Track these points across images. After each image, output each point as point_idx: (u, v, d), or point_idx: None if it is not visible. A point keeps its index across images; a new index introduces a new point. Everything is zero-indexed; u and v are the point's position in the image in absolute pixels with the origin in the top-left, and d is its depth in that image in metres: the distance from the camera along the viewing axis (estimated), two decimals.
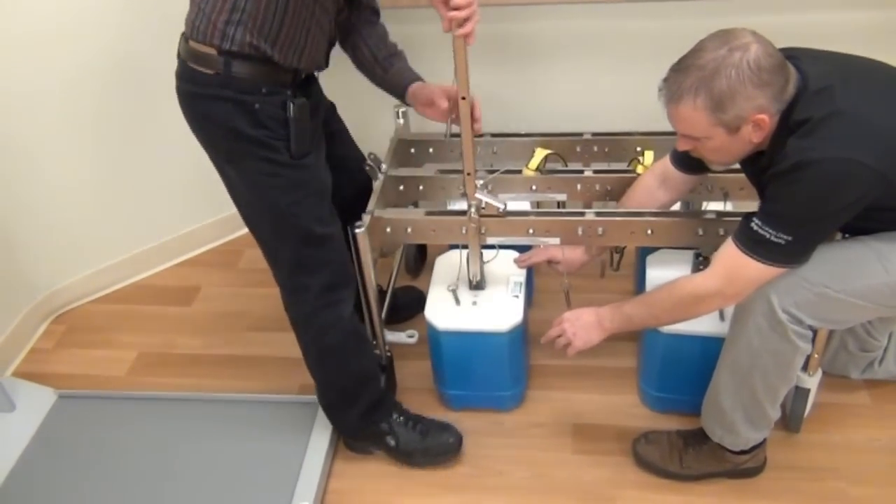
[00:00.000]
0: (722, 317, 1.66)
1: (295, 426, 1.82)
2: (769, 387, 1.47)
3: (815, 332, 1.46)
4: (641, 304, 1.52)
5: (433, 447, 1.74)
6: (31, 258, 2.19)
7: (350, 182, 1.73)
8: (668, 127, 1.88)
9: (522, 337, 1.79)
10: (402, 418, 1.76)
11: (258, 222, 1.53)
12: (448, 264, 1.86)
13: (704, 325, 1.65)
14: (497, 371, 1.78)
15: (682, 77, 1.29)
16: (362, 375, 1.70)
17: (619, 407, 1.87)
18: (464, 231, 1.68)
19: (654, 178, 1.68)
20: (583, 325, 1.54)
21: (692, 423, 1.79)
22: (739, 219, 1.57)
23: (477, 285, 1.77)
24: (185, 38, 1.40)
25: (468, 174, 1.58)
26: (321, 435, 1.79)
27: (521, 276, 1.80)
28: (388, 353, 1.86)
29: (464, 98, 1.48)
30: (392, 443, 1.74)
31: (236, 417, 1.88)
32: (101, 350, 2.18)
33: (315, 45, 1.42)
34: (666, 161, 1.66)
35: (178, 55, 1.43)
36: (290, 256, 1.53)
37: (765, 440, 1.61)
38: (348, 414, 1.73)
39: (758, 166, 1.37)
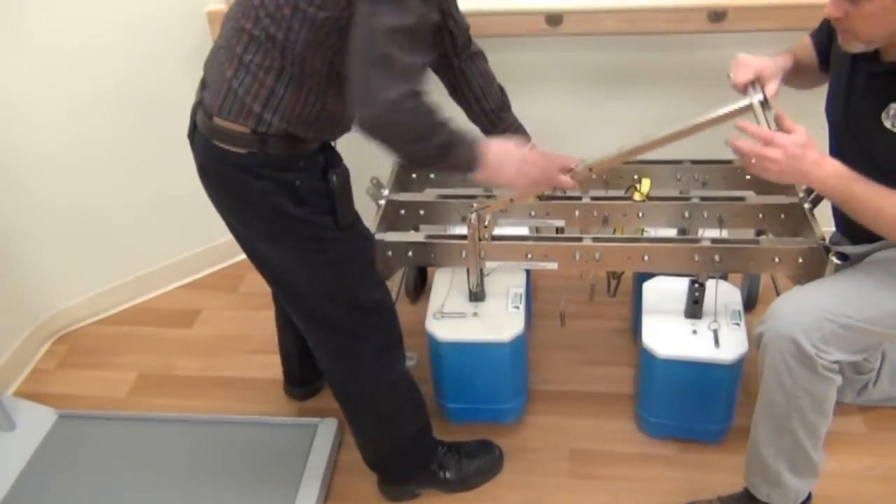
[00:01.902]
0: (717, 343, 1.68)
1: (293, 448, 1.83)
2: (809, 426, 1.42)
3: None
4: (878, 193, 1.27)
5: (484, 465, 1.76)
6: (34, 280, 2.22)
7: None
8: (663, 156, 1.94)
9: (523, 348, 1.80)
10: (444, 449, 1.75)
11: (305, 295, 1.46)
12: (448, 278, 1.88)
13: (701, 351, 1.67)
14: (498, 383, 1.79)
15: None
16: (418, 430, 1.70)
17: (617, 433, 1.87)
18: (463, 255, 1.70)
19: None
20: (801, 166, 1.25)
21: (689, 450, 1.81)
22: (735, 246, 1.60)
23: (477, 297, 1.79)
24: (208, 114, 1.30)
25: None
26: (319, 457, 1.80)
27: (521, 287, 1.82)
28: None
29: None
30: (447, 476, 1.73)
31: (235, 439, 1.89)
32: (102, 371, 2.19)
33: (350, 117, 1.23)
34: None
35: (196, 129, 1.33)
36: (342, 323, 1.48)
37: (810, 495, 1.56)
38: (403, 463, 1.72)
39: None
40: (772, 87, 1.39)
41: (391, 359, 1.58)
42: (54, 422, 1.96)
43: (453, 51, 1.55)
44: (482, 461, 1.77)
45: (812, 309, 1.35)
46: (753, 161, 1.29)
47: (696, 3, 1.91)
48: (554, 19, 1.98)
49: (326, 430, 1.85)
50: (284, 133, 1.28)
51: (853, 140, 1.45)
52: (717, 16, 1.92)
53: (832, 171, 1.28)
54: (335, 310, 1.46)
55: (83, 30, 2.01)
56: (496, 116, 1.60)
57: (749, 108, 1.34)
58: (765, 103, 1.33)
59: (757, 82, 1.39)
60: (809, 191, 1.75)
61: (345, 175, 1.37)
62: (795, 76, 1.53)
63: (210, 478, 1.80)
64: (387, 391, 1.60)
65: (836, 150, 1.54)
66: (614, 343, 2.14)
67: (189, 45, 2.15)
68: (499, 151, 1.31)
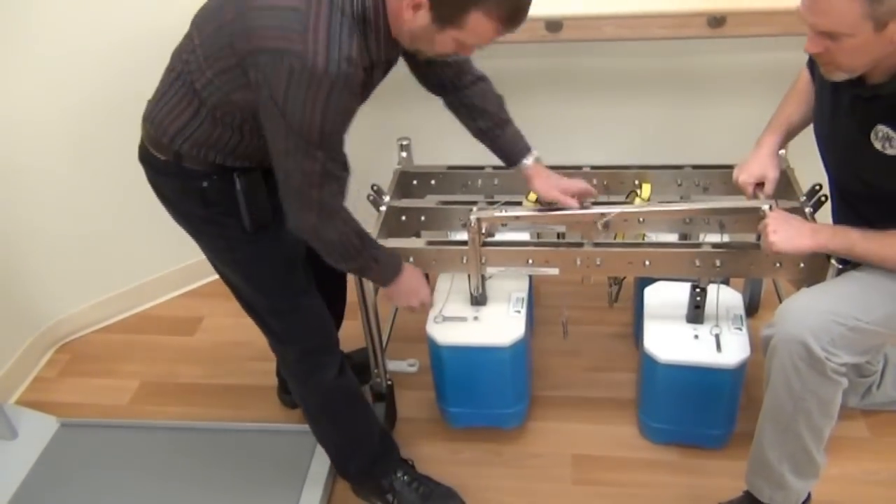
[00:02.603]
0: (719, 347, 1.67)
1: (294, 456, 1.83)
2: (814, 428, 1.42)
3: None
4: (875, 241, 1.38)
5: None
6: (37, 288, 2.22)
7: None
8: (664, 160, 1.95)
9: (525, 353, 1.80)
10: (406, 477, 1.72)
11: (234, 290, 1.56)
12: (450, 282, 1.89)
13: (703, 355, 1.67)
14: (499, 387, 1.79)
15: None
16: (354, 436, 1.69)
17: (619, 438, 1.87)
18: (464, 261, 1.70)
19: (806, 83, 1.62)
20: (789, 225, 1.43)
21: (691, 455, 1.80)
22: (736, 250, 1.61)
23: (478, 301, 1.79)
24: (144, 118, 1.42)
25: None
26: (320, 464, 1.80)
27: (522, 291, 1.82)
28: (389, 383, 1.88)
29: None
30: (391, 500, 1.71)
31: (237, 446, 1.88)
32: (104, 379, 2.20)
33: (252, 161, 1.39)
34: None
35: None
36: (264, 322, 1.56)
37: (810, 496, 1.57)
38: (348, 466, 1.73)
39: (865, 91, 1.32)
40: (772, 186, 1.60)
41: (315, 362, 1.58)
42: (56, 430, 1.96)
43: (450, 85, 1.63)
44: None
45: (821, 312, 1.36)
46: (769, 239, 1.43)
47: (695, 9, 1.92)
48: (554, 26, 1.99)
49: None
50: (198, 154, 1.36)
51: (846, 161, 1.47)
52: (717, 21, 1.93)
53: (823, 229, 1.44)
54: (254, 309, 1.55)
55: (84, 38, 2.01)
56: (493, 134, 1.65)
57: (758, 209, 1.55)
58: (772, 207, 1.53)
59: (759, 186, 1.61)
60: (810, 195, 1.75)
61: (254, 179, 1.39)
62: (798, 130, 1.65)
63: (212, 485, 1.80)
64: (313, 394, 1.62)
65: (832, 172, 1.57)
66: (616, 349, 2.13)
67: None
68: (406, 278, 1.57)
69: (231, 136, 1.34)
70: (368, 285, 1.70)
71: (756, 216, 1.54)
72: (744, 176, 1.62)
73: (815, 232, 1.44)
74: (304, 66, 1.16)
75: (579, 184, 1.66)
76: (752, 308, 2.13)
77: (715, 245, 1.63)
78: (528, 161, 1.65)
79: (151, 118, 1.39)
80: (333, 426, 1.68)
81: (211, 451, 1.89)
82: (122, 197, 2.26)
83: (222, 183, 1.38)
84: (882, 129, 1.33)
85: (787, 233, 1.42)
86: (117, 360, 2.26)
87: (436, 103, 2.21)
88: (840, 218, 1.60)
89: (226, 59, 1.24)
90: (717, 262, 1.63)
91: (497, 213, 1.68)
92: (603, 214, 1.67)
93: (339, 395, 1.64)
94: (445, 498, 1.72)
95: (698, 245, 1.64)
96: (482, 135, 1.66)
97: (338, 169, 1.30)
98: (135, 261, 2.38)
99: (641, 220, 1.75)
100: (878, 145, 1.34)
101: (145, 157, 1.44)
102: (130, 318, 2.41)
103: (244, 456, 1.85)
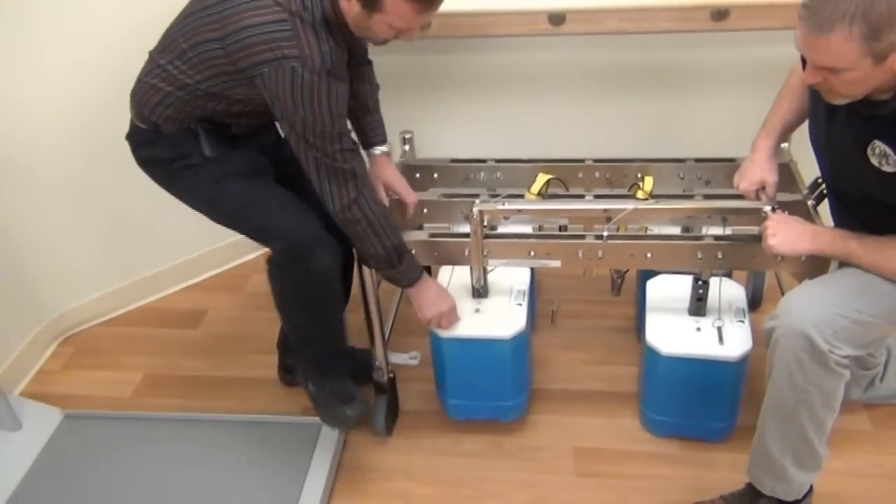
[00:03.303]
0: (721, 340, 1.67)
1: (297, 447, 1.83)
2: (817, 421, 1.42)
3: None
4: (874, 249, 1.40)
5: (339, 392, 1.74)
6: (41, 281, 2.23)
7: None
8: (667, 154, 1.95)
9: (526, 345, 1.80)
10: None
11: (217, 218, 1.68)
12: (451, 274, 1.89)
13: (705, 348, 1.67)
14: (500, 379, 1.79)
15: (832, 3, 1.17)
16: (323, 325, 1.70)
17: (620, 431, 1.87)
18: (466, 253, 1.71)
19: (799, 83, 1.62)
20: (789, 228, 1.46)
21: (693, 448, 1.80)
22: (738, 242, 1.61)
23: (480, 293, 1.79)
24: (131, 95, 1.61)
25: None
26: (323, 456, 1.80)
27: (524, 284, 1.82)
28: (391, 375, 1.88)
29: None
30: (319, 398, 1.75)
31: (240, 438, 1.89)
32: (108, 371, 2.20)
33: (245, 121, 1.57)
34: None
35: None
36: (248, 229, 1.66)
37: (812, 488, 1.57)
38: (307, 350, 1.75)
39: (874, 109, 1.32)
40: (773, 190, 1.63)
41: (298, 251, 1.59)
42: (60, 421, 1.96)
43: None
44: (339, 391, 1.73)
45: (824, 304, 1.36)
46: (769, 241, 1.46)
47: (698, 2, 1.91)
48: (556, 18, 1.99)
49: (331, 430, 1.85)
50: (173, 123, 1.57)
51: (842, 170, 1.48)
52: (720, 14, 1.93)
53: (823, 233, 1.47)
54: (235, 218, 1.65)
55: (89, 28, 2.02)
56: (354, 115, 1.77)
57: (759, 210, 1.57)
58: (773, 209, 1.55)
59: (761, 190, 1.63)
60: (813, 188, 1.74)
61: (217, 132, 1.58)
62: (793, 128, 1.67)
63: (215, 477, 1.80)
64: (292, 278, 1.63)
65: (828, 178, 1.57)
66: (618, 342, 2.13)
67: None
68: (427, 286, 1.68)
69: (214, 111, 1.54)
70: (370, 278, 1.70)
71: (758, 213, 1.55)
72: (744, 184, 1.64)
73: (815, 236, 1.46)
74: (304, 66, 1.34)
75: (400, 186, 1.81)
76: (754, 302, 2.12)
77: (717, 237, 1.63)
78: (375, 151, 1.80)
79: (135, 92, 1.59)
80: (303, 311, 1.69)
81: (214, 442, 1.89)
82: (126, 191, 2.26)
83: (190, 132, 1.58)
84: (879, 146, 1.33)
85: (786, 235, 1.45)
86: (121, 352, 2.27)
87: (438, 97, 2.23)
88: (838, 218, 1.60)
89: (223, 67, 1.43)
90: (720, 255, 1.63)
91: (499, 206, 1.68)
92: (606, 210, 1.67)
93: (318, 285, 1.63)
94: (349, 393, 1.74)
95: (700, 238, 1.64)
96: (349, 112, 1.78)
97: (352, 143, 1.47)
98: (138, 254, 2.39)
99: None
100: (874, 161, 1.35)
101: (130, 132, 1.65)
102: (134, 311, 2.42)
103: (247, 448, 1.86)
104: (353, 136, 1.49)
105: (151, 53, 1.58)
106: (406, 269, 1.62)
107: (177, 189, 1.66)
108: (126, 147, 2.22)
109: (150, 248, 2.40)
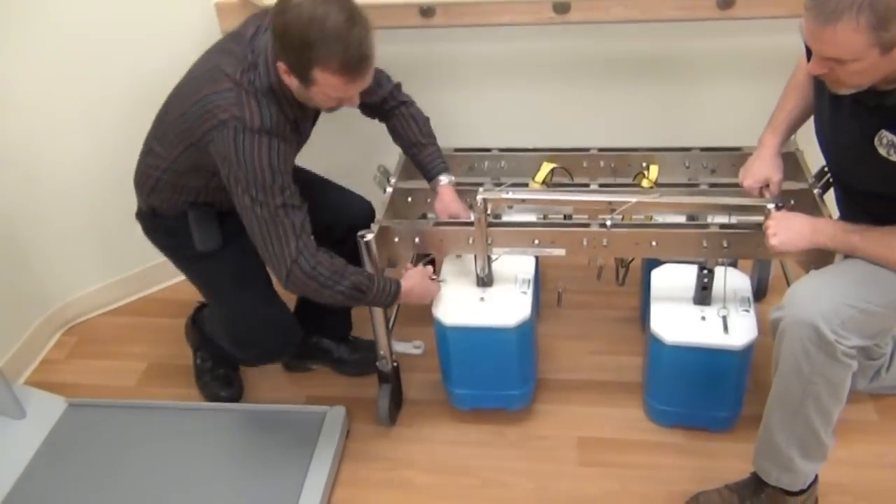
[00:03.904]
0: (726, 329, 1.67)
1: (301, 436, 1.83)
2: (823, 411, 1.41)
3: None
4: (877, 241, 1.40)
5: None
6: (45, 271, 2.23)
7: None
8: (672, 143, 1.94)
9: (530, 334, 1.80)
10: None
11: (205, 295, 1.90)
12: (455, 262, 1.89)
13: (710, 336, 1.66)
14: (505, 368, 1.79)
15: None
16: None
17: (625, 421, 1.87)
18: (470, 241, 1.70)
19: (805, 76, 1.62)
20: (789, 226, 1.47)
21: (697, 438, 1.80)
22: (744, 231, 1.60)
23: (484, 282, 1.79)
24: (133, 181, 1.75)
25: None
26: (327, 445, 1.80)
27: (529, 273, 1.82)
28: (395, 364, 1.88)
29: None
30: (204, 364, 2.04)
31: (243, 427, 1.89)
32: (112, 361, 2.21)
33: (223, 195, 1.57)
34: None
35: None
36: (224, 327, 1.85)
37: (817, 477, 1.56)
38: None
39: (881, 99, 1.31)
40: (777, 188, 1.62)
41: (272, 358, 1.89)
42: (64, 410, 1.97)
43: (379, 112, 1.83)
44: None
45: (831, 295, 1.35)
46: (770, 241, 1.47)
47: None
48: (561, 7, 1.98)
49: (334, 418, 1.85)
50: (165, 204, 1.70)
51: (848, 163, 1.47)
52: (727, 2, 1.91)
53: (824, 228, 1.46)
54: (220, 313, 1.86)
55: (92, 23, 2.01)
56: (410, 153, 1.84)
57: (764, 207, 1.56)
58: (778, 206, 1.55)
59: (765, 187, 1.62)
60: (819, 176, 1.74)
61: (205, 211, 1.68)
62: (800, 124, 1.66)
63: (219, 465, 1.80)
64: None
65: (834, 170, 1.57)
66: (623, 332, 2.13)
67: (197, 37, 2.14)
68: (408, 291, 1.69)
69: (195, 189, 1.63)
70: (373, 263, 1.70)
71: (762, 209, 1.54)
72: (749, 181, 1.63)
73: (815, 232, 1.46)
74: (245, 127, 1.45)
75: (466, 217, 1.78)
76: (760, 292, 2.12)
77: (722, 226, 1.62)
78: (440, 181, 1.81)
79: (135, 183, 1.74)
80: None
81: (217, 431, 1.89)
82: (130, 181, 2.25)
83: (183, 218, 1.67)
84: (887, 136, 1.32)
85: (786, 235, 1.46)
86: (125, 342, 2.27)
87: (443, 86, 2.22)
88: (844, 209, 1.59)
89: (188, 139, 1.53)
90: (725, 243, 1.62)
91: (503, 195, 1.67)
92: (611, 203, 1.67)
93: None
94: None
95: (706, 226, 1.64)
96: (405, 152, 1.87)
97: (295, 200, 1.51)
98: (143, 244, 2.36)
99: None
100: (882, 151, 1.34)
101: (136, 212, 1.79)
102: (138, 301, 2.42)
103: (251, 436, 1.86)
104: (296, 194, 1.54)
105: (146, 138, 1.70)
106: (378, 295, 1.62)
107: (179, 267, 1.83)
108: (129, 140, 2.23)
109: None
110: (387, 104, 1.80)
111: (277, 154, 1.47)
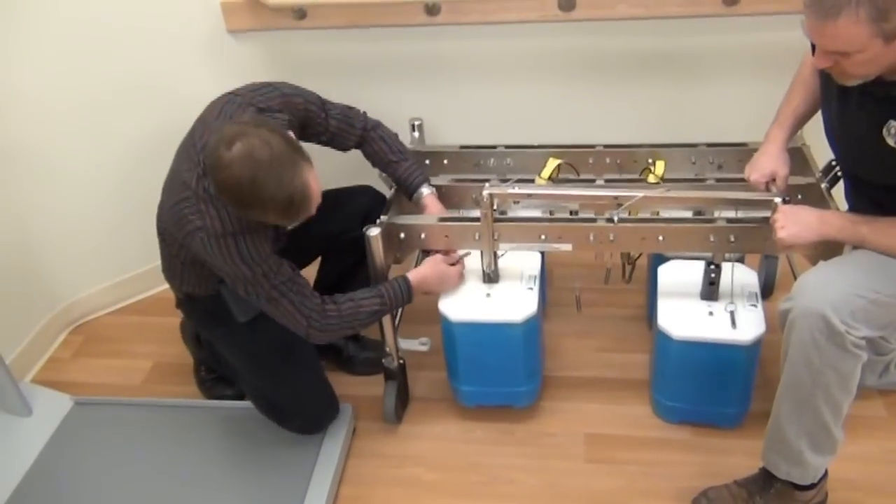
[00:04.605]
0: (734, 324, 1.66)
1: (306, 434, 1.82)
2: (833, 403, 1.40)
3: None
4: (886, 232, 1.40)
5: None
6: (52, 269, 2.24)
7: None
8: (676, 139, 1.93)
9: (537, 330, 1.79)
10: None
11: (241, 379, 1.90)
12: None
13: (718, 331, 1.65)
14: (511, 364, 1.78)
15: None
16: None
17: (632, 418, 1.86)
18: (477, 237, 1.70)
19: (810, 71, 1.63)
20: (797, 220, 1.46)
21: (705, 434, 1.79)
22: (751, 225, 1.59)
23: (491, 278, 1.78)
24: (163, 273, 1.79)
25: None
26: (333, 443, 1.80)
27: (535, 269, 1.81)
28: (401, 361, 1.87)
29: None
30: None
31: (249, 425, 1.88)
32: (118, 360, 2.21)
33: None
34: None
35: None
36: (268, 406, 1.85)
37: (826, 472, 1.55)
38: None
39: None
40: (783, 183, 1.62)
41: (317, 427, 1.83)
42: (70, 408, 1.97)
43: (348, 145, 1.81)
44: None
45: (840, 285, 1.34)
46: (778, 235, 1.46)
47: None
48: (566, 4, 1.98)
49: (340, 416, 1.85)
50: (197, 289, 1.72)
51: (857, 154, 1.47)
52: None
53: (832, 220, 1.45)
54: (259, 391, 1.84)
55: (99, 22, 2.02)
56: (388, 171, 1.84)
57: (770, 201, 1.55)
58: (785, 200, 1.54)
59: (771, 182, 1.62)
60: (826, 171, 1.73)
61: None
62: (806, 119, 1.66)
63: (224, 463, 1.80)
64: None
65: (842, 162, 1.57)
66: (629, 330, 2.12)
67: (203, 36, 2.16)
68: (420, 278, 1.71)
69: (212, 274, 1.63)
70: (378, 258, 1.70)
71: (769, 203, 1.54)
72: (755, 175, 1.63)
73: (823, 224, 1.45)
74: (209, 234, 1.49)
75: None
76: (767, 289, 2.11)
77: (729, 220, 1.62)
78: (422, 193, 1.81)
79: (165, 276, 1.77)
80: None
81: (223, 430, 1.89)
82: (138, 179, 2.25)
83: (218, 296, 1.68)
84: (895, 126, 1.32)
85: (795, 228, 1.45)
86: (131, 341, 2.27)
87: (448, 84, 2.23)
88: (853, 201, 1.59)
89: (176, 240, 1.59)
90: (732, 238, 1.61)
91: (509, 189, 1.67)
92: (617, 197, 1.66)
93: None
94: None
95: (713, 220, 1.63)
96: (382, 171, 1.86)
97: (283, 276, 1.55)
98: (150, 243, 2.36)
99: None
100: (891, 142, 1.33)
101: (175, 302, 1.83)
102: (145, 300, 2.42)
103: (256, 434, 1.85)
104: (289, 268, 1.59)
105: (156, 223, 1.71)
106: (394, 302, 1.67)
107: (224, 348, 1.82)
108: (138, 140, 2.24)
109: None
110: (349, 138, 1.79)
111: (248, 249, 1.51)
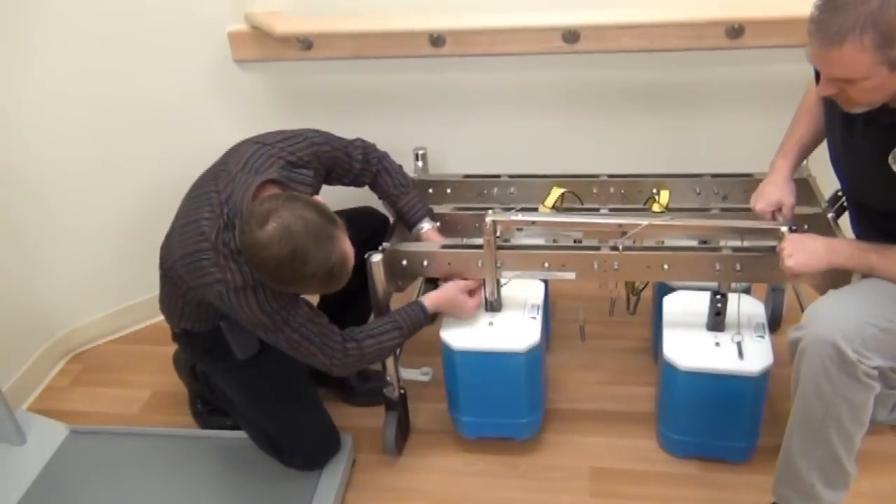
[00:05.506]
0: (741, 354, 1.63)
1: None
2: (845, 435, 1.38)
3: None
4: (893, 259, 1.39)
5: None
6: (51, 297, 2.22)
7: None
8: (680, 169, 1.93)
9: (540, 359, 1.76)
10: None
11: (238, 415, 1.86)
12: None
13: (725, 362, 1.62)
14: (514, 394, 1.75)
15: (841, 16, 1.17)
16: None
17: (637, 451, 1.82)
18: (480, 264, 1.68)
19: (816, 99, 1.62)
20: (804, 248, 1.44)
21: (713, 469, 1.75)
22: (757, 254, 1.58)
23: (493, 307, 1.76)
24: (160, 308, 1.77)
25: None
26: (332, 475, 1.76)
27: (538, 298, 1.79)
28: (402, 391, 1.84)
29: None
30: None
31: (247, 456, 1.84)
32: (116, 389, 2.18)
33: None
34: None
35: None
36: (267, 442, 1.81)
37: None
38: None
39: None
40: (790, 212, 1.60)
41: (320, 463, 1.79)
42: (65, 437, 1.93)
43: (360, 183, 1.80)
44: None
45: (852, 313, 1.32)
46: (786, 263, 1.43)
47: (713, 18, 1.91)
48: (571, 36, 2.00)
49: (340, 450, 1.81)
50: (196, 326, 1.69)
51: (862, 181, 1.46)
52: (736, 31, 1.92)
53: (840, 248, 1.44)
54: (257, 427, 1.82)
55: (105, 49, 2.04)
56: (391, 202, 1.83)
57: (777, 230, 1.54)
58: (792, 229, 1.52)
59: (777, 211, 1.60)
60: (833, 201, 1.72)
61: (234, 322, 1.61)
62: (811, 149, 1.66)
63: (221, 495, 1.77)
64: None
65: (848, 190, 1.56)
66: (634, 363, 2.09)
67: (210, 66, 2.18)
68: (436, 305, 1.71)
69: (215, 312, 1.61)
70: (379, 284, 1.68)
71: (776, 232, 1.53)
72: (761, 204, 1.62)
73: (832, 252, 1.43)
74: (229, 288, 1.48)
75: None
76: (774, 322, 2.07)
77: (735, 249, 1.60)
78: (421, 228, 1.80)
79: (162, 310, 1.74)
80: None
81: (220, 460, 1.86)
82: (138, 208, 2.26)
83: (218, 331, 1.65)
84: None
85: (803, 256, 1.43)
86: (129, 370, 2.24)
87: (452, 114, 2.24)
88: (859, 229, 1.57)
89: (187, 284, 1.55)
90: (738, 266, 1.60)
91: (513, 216, 1.66)
92: (621, 225, 1.65)
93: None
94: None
95: (718, 249, 1.61)
96: (386, 203, 1.86)
97: (301, 318, 1.54)
98: (150, 272, 2.35)
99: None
100: None
101: (171, 336, 1.79)
102: (144, 329, 2.40)
103: (255, 465, 1.81)
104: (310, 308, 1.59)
105: (159, 262, 1.69)
106: (413, 329, 1.67)
107: (223, 382, 1.80)
108: (138, 167, 2.24)
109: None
110: (360, 172, 1.77)
111: (267, 300, 1.49)
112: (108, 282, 2.32)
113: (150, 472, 1.84)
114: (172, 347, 2.28)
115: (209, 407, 1.99)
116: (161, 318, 2.36)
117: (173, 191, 2.27)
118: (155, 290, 2.38)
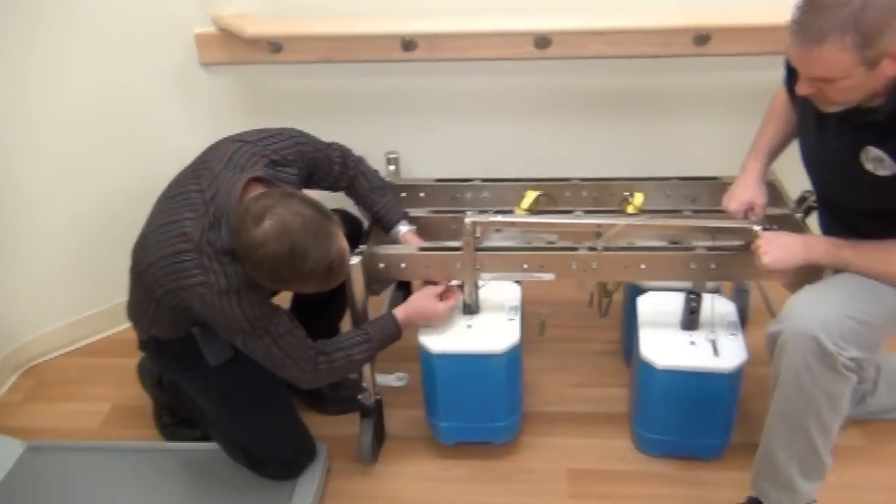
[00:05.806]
0: (716, 352, 1.66)
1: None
2: (824, 427, 1.40)
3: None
4: (871, 256, 1.41)
5: None
6: (2, 308, 2.11)
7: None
8: (650, 173, 1.96)
9: (519, 361, 1.76)
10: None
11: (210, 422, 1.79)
12: None
13: (701, 360, 1.65)
14: (493, 397, 1.74)
15: (822, 16, 1.20)
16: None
17: (614, 452, 1.83)
18: (458, 267, 1.67)
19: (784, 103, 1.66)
20: (781, 244, 1.46)
21: (688, 467, 1.77)
22: (733, 253, 1.61)
23: (471, 309, 1.76)
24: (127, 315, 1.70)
25: None
26: (306, 484, 1.71)
27: (515, 300, 1.79)
28: (378, 398, 1.81)
29: None
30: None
31: (215, 468, 1.78)
32: (73, 403, 2.08)
33: None
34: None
35: None
36: (239, 452, 1.76)
37: (815, 502, 1.54)
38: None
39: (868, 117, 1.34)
40: (761, 211, 1.64)
41: (294, 472, 1.75)
42: (21, 453, 1.84)
43: (338, 188, 1.79)
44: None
45: (830, 306, 1.35)
46: (762, 260, 1.46)
47: (681, 25, 1.96)
48: (542, 42, 2.02)
49: (314, 458, 1.77)
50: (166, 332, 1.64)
51: (834, 180, 1.50)
52: (703, 39, 1.98)
53: (816, 245, 1.47)
54: (230, 436, 1.77)
55: (66, 49, 1.97)
56: (366, 206, 1.81)
57: (749, 229, 1.58)
58: (765, 227, 1.56)
59: (749, 211, 1.64)
60: (800, 201, 1.77)
61: (208, 327, 1.57)
62: (781, 150, 1.70)
63: None
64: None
65: (819, 188, 1.60)
66: (605, 365, 2.11)
67: (175, 69, 2.13)
68: (407, 317, 1.69)
69: (187, 319, 1.57)
70: (357, 288, 1.66)
71: (749, 231, 1.56)
72: (733, 205, 1.65)
73: (808, 248, 1.47)
74: (212, 290, 1.44)
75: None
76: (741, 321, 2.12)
77: (710, 248, 1.63)
78: (399, 230, 1.79)
79: (130, 316, 1.67)
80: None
81: (188, 473, 1.79)
82: (93, 215, 2.18)
83: (189, 338, 1.61)
84: (873, 151, 1.35)
85: (779, 252, 1.46)
86: (87, 383, 2.15)
87: (425, 119, 2.23)
88: (828, 227, 1.62)
89: (163, 288, 1.50)
90: (713, 265, 1.63)
91: (492, 218, 1.66)
92: (601, 226, 1.67)
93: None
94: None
95: (693, 248, 1.64)
96: (361, 207, 1.85)
97: (281, 328, 1.52)
98: (105, 281, 2.28)
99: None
100: (868, 166, 1.37)
101: (138, 343, 1.73)
102: (101, 342, 2.31)
103: (224, 478, 1.76)
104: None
105: (130, 267, 1.62)
106: (383, 343, 1.66)
107: (193, 391, 1.73)
108: (98, 174, 2.16)
109: (119, 276, 2.29)
110: (338, 176, 1.75)
111: (249, 305, 1.46)
112: (61, 292, 2.23)
113: (115, 488, 1.76)
114: (132, 359, 2.21)
115: (175, 419, 1.92)
116: (119, 328, 2.35)
117: (133, 197, 2.20)
118: (111, 300, 2.33)
